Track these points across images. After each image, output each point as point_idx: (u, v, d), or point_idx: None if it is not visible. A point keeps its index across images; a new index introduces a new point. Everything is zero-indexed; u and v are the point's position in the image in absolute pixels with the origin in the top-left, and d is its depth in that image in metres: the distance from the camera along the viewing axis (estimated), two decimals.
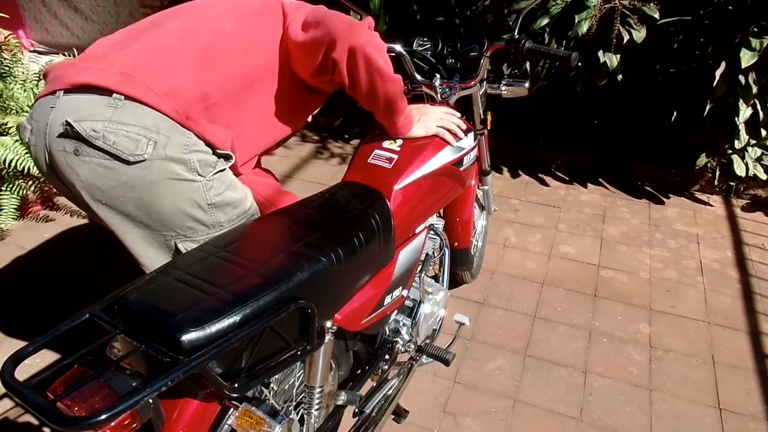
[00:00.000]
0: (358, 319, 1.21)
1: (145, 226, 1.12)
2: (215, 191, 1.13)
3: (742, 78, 2.31)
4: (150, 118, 1.04)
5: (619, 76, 2.50)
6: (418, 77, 1.62)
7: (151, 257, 1.16)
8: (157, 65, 1.08)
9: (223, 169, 1.15)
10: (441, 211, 1.81)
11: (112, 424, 0.71)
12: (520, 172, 3.07)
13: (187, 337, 0.76)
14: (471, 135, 1.55)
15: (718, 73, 2.34)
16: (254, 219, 1.14)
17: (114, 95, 1.04)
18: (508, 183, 2.99)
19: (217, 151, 1.13)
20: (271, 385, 1.12)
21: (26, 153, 2.42)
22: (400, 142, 1.38)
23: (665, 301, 2.14)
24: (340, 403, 1.26)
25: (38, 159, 1.12)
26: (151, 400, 0.77)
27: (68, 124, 1.01)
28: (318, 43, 1.16)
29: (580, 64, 2.50)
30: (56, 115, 1.05)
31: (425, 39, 1.68)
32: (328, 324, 1.05)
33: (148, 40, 1.11)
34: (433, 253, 1.68)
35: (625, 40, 2.36)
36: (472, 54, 1.62)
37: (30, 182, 2.62)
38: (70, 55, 3.00)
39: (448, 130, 1.43)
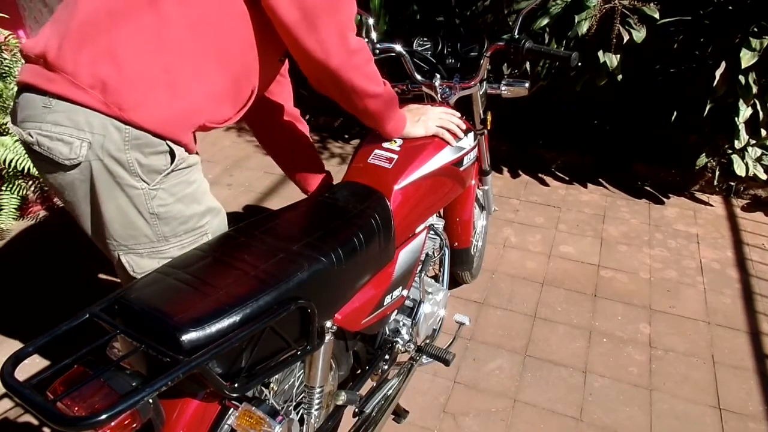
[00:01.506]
0: (358, 319, 1.21)
1: (94, 229, 1.06)
2: (159, 201, 1.02)
3: (742, 78, 2.31)
4: (82, 116, 0.94)
5: (619, 76, 2.50)
6: (418, 77, 1.62)
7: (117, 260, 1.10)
8: (74, 48, 0.94)
9: (179, 177, 1.03)
10: (441, 211, 1.81)
11: (112, 424, 0.71)
12: (520, 172, 3.07)
13: (187, 337, 0.76)
14: (471, 135, 1.55)
15: (718, 73, 2.34)
16: (253, 219, 1.13)
17: (47, 94, 0.96)
18: (508, 183, 2.99)
19: (168, 143, 0.99)
20: (271, 385, 1.12)
21: (26, 153, 2.42)
22: (400, 142, 1.38)
23: (665, 301, 2.14)
24: (340, 403, 1.26)
25: None
26: (151, 400, 0.77)
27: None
28: (290, 33, 1.03)
29: (580, 64, 2.50)
30: (18, 115, 1.01)
31: (425, 39, 1.68)
32: (328, 324, 1.05)
33: (67, 12, 0.98)
34: (433, 253, 1.68)
35: (625, 40, 2.36)
36: (472, 54, 1.63)
37: (30, 182, 2.62)
38: None
39: (448, 130, 1.43)
